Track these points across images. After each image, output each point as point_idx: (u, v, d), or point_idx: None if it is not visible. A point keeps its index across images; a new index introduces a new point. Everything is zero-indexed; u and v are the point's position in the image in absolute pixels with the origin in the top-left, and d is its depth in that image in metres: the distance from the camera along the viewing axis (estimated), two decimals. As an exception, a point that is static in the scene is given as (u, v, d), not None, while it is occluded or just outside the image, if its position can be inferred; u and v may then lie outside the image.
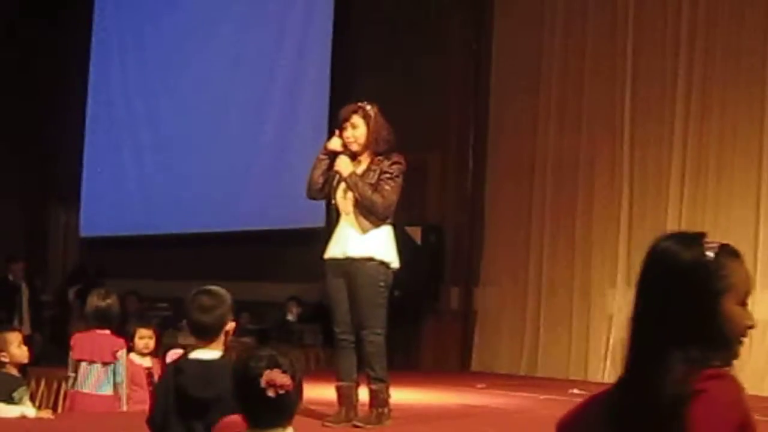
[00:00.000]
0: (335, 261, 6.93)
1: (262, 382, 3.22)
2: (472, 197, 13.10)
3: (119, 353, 7.17)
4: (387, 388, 6.85)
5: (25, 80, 17.72)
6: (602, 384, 11.27)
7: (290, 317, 13.78)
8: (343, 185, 6.93)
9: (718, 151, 11.02)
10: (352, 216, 6.89)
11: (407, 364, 12.12)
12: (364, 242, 6.83)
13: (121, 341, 7.26)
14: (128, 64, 17.69)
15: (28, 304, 14.07)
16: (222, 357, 4.28)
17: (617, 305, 11.58)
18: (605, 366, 11.52)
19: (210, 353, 4.29)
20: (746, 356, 10.51)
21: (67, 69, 18.01)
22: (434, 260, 13.10)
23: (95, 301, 7.34)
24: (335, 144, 7.05)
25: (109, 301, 7.33)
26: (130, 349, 7.60)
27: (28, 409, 6.71)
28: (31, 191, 18.22)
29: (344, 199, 6.92)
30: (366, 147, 6.94)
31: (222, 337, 4.33)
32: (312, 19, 14.90)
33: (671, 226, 11.23)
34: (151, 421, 4.28)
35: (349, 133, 6.94)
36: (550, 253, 12.23)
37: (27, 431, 6.25)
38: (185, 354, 4.43)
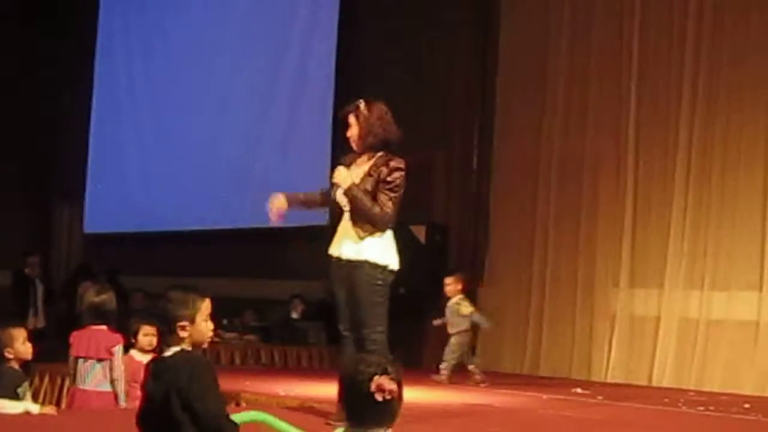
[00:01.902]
0: (335, 260, 6.91)
1: (372, 387, 3.41)
2: (476, 196, 13.11)
3: (115, 349, 7.16)
4: None
5: (30, 78, 17.75)
6: (605, 383, 11.34)
7: (294, 315, 13.79)
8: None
9: (723, 153, 11.02)
10: (349, 219, 6.87)
11: (410, 362, 12.11)
12: (359, 247, 6.79)
13: (117, 337, 7.24)
14: (133, 62, 17.71)
15: (43, 298, 14.08)
16: (178, 351, 4.30)
17: (620, 305, 11.59)
18: (608, 366, 11.53)
19: (171, 350, 4.33)
20: (752, 358, 10.52)
21: (73, 67, 18.02)
22: (438, 259, 13.11)
23: (90, 297, 7.34)
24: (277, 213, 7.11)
25: (104, 296, 7.32)
26: (133, 345, 7.60)
27: (31, 405, 6.72)
28: (36, 188, 18.24)
29: (342, 199, 6.89)
30: (360, 145, 6.93)
31: (179, 333, 4.34)
32: (317, 18, 14.91)
33: (675, 228, 11.24)
34: (139, 419, 4.29)
35: (348, 133, 6.96)
36: (554, 252, 12.24)
37: (31, 427, 6.26)
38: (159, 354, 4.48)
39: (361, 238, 6.78)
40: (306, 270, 14.11)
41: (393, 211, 6.80)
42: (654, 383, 11.08)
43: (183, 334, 4.33)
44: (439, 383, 10.32)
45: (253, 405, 8.33)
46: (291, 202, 7.10)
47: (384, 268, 6.81)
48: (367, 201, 6.74)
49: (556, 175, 12.35)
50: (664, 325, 11.18)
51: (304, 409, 7.72)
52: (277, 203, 7.13)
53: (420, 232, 12.80)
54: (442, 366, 10.61)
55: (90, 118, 18.16)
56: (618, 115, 11.82)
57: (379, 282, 6.80)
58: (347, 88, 14.37)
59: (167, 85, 16.95)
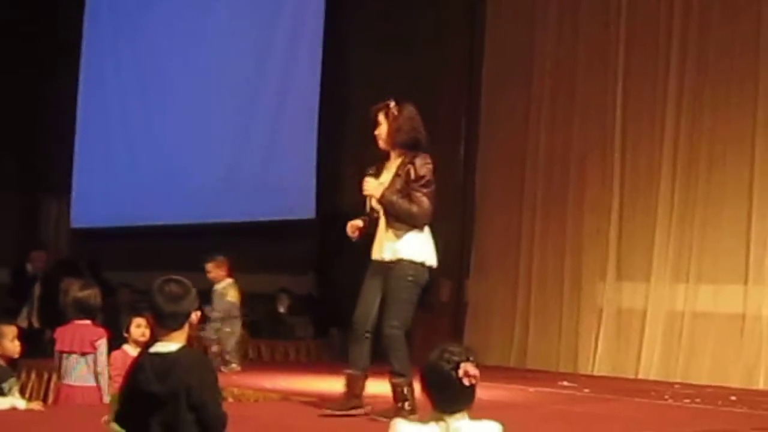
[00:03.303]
0: (376, 262, 7.04)
1: (460, 372, 3.65)
2: (463, 189, 13.09)
3: (98, 343, 7.15)
4: (409, 384, 6.76)
5: (17, 71, 17.71)
6: (592, 376, 11.35)
7: (281, 309, 13.78)
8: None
9: (709, 146, 11.02)
10: (385, 221, 7.00)
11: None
12: (398, 246, 6.92)
13: (101, 331, 7.25)
14: (121, 55, 17.67)
15: (39, 296, 13.90)
16: (181, 348, 4.20)
17: (607, 298, 11.60)
18: (595, 359, 11.55)
19: (169, 345, 4.20)
20: (738, 351, 10.53)
21: (59, 60, 17.98)
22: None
23: (74, 292, 7.34)
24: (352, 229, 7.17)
25: (87, 291, 7.33)
26: (125, 339, 7.59)
27: (18, 401, 6.72)
28: (23, 182, 18.20)
29: (377, 205, 7.05)
30: (389, 143, 7.08)
31: (186, 328, 4.25)
32: (304, 9, 14.89)
33: (662, 221, 11.26)
34: (118, 417, 4.23)
35: (376, 131, 7.12)
36: (541, 246, 12.24)
37: (17, 423, 6.25)
38: (146, 347, 4.38)
39: (399, 237, 6.92)
40: (292, 264, 14.11)
41: (430, 205, 6.99)
42: (641, 376, 11.09)
43: (188, 329, 4.28)
44: (234, 373, 10.28)
45: (240, 399, 8.34)
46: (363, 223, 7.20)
47: (420, 264, 6.96)
48: (403, 203, 6.92)
49: (542, 168, 12.35)
50: (651, 319, 11.19)
51: (295, 402, 7.72)
52: (353, 223, 7.19)
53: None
54: (227, 357, 10.62)
55: (77, 112, 18.12)
56: (604, 108, 11.83)
57: (410, 278, 6.92)
58: (333, 82, 14.38)
59: (154, 80, 16.92)
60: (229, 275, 10.89)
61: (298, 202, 14.35)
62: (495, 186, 12.81)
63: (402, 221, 6.92)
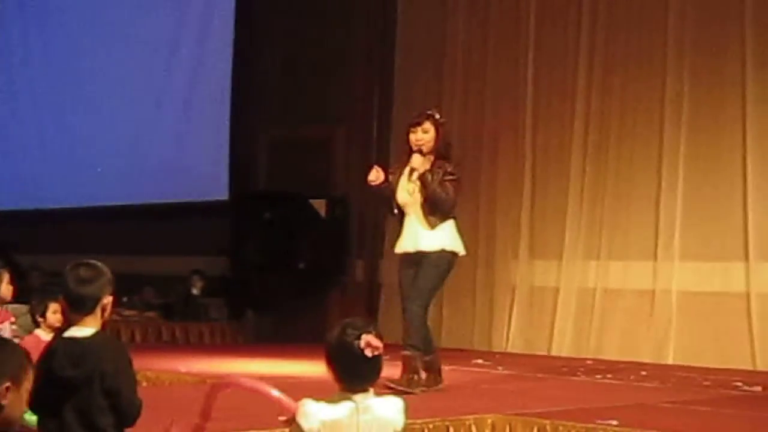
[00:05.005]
0: (408, 254, 7.74)
1: (362, 344, 3.61)
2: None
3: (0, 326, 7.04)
4: (421, 357, 7.58)
5: None
6: (506, 354, 11.42)
7: (194, 291, 13.70)
8: (407, 186, 7.65)
9: (619, 124, 11.16)
10: (420, 214, 7.64)
11: (313, 335, 12.10)
12: (434, 237, 7.64)
13: (4, 314, 7.13)
14: (29, 35, 17.38)
15: None
16: (95, 334, 4.15)
17: (520, 276, 11.70)
18: (508, 336, 11.65)
19: (83, 330, 4.15)
20: (648, 326, 10.65)
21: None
22: (339, 233, 13.10)
23: None
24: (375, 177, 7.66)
25: None
26: (38, 324, 7.48)
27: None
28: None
29: (411, 198, 7.64)
30: (431, 151, 7.66)
31: (99, 312, 4.19)
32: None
33: (573, 199, 11.38)
34: (32, 405, 4.19)
35: (420, 135, 7.67)
36: (454, 225, 12.29)
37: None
38: (60, 333, 4.31)
39: (434, 227, 7.63)
40: (205, 246, 14.02)
41: (455, 196, 7.73)
42: (554, 353, 11.22)
43: (101, 314, 4.20)
44: None
45: (155, 382, 8.29)
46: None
47: (453, 253, 7.77)
48: (437, 186, 7.56)
49: (455, 148, 12.33)
50: (563, 296, 11.31)
51: (207, 385, 7.68)
52: (378, 168, 7.74)
53: (320, 207, 12.78)
54: None
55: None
56: (516, 88, 11.91)
57: (443, 267, 7.75)
58: (245, 63, 14.29)
59: (63, 60, 16.68)
60: None
61: (211, 183, 14.27)
62: (408, 166, 12.83)
63: (430, 206, 7.57)
